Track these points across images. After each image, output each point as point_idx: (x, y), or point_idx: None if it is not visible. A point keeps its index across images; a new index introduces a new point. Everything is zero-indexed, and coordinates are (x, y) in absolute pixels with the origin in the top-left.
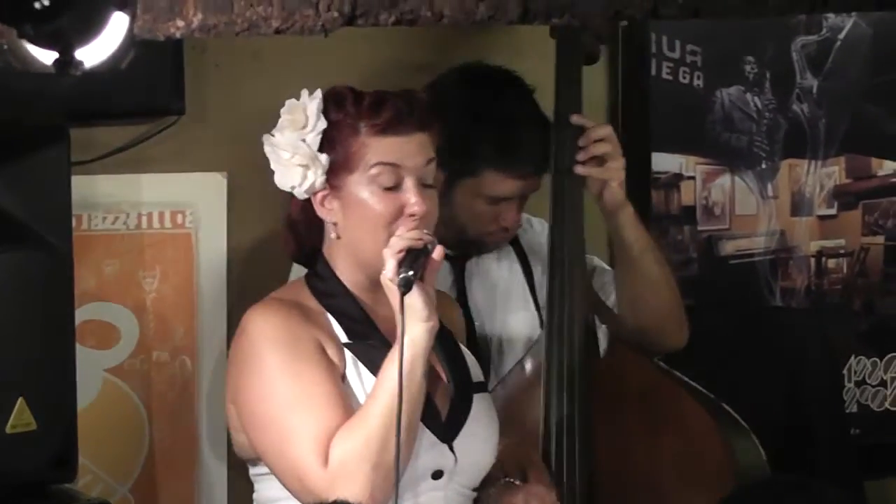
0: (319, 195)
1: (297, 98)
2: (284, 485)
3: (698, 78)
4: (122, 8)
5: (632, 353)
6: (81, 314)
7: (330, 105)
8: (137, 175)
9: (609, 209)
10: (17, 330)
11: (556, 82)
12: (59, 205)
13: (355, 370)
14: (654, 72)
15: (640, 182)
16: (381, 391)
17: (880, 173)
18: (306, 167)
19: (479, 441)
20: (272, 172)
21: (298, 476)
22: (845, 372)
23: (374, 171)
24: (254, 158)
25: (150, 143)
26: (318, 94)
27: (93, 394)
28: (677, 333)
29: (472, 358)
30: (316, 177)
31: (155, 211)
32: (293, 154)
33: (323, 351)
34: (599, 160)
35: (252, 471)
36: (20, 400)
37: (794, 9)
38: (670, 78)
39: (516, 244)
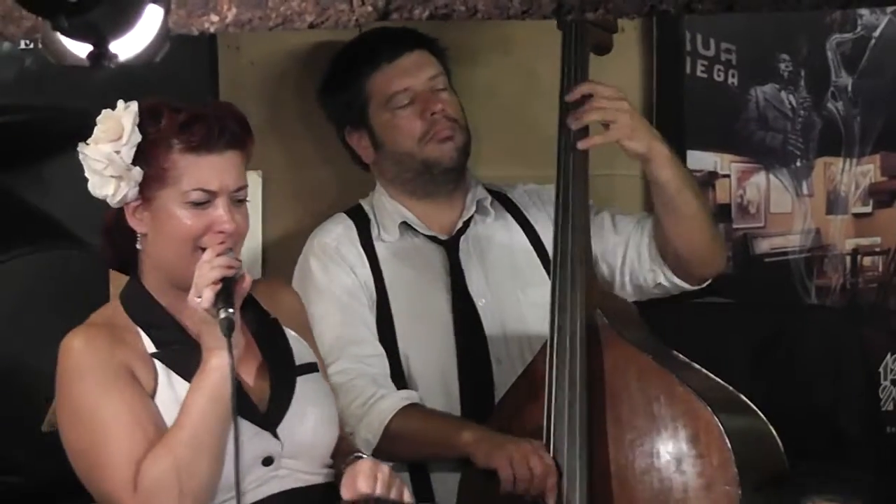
0: (132, 206)
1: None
2: None
3: (733, 76)
4: (156, 1)
5: (627, 346)
6: None
7: (147, 118)
8: None
9: (636, 158)
10: (53, 328)
11: (561, 74)
12: (94, 204)
13: (167, 379)
14: (688, 70)
15: None
16: (186, 417)
17: None
18: (119, 178)
19: (307, 422)
20: (305, 170)
21: (109, 502)
22: (881, 370)
23: (186, 189)
24: (288, 156)
25: None
26: (134, 106)
27: None
28: (719, 260)
29: (302, 342)
30: (128, 188)
31: None
32: (106, 165)
33: (131, 374)
34: (603, 123)
35: None
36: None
37: (828, 3)
38: (705, 76)
39: (513, 208)
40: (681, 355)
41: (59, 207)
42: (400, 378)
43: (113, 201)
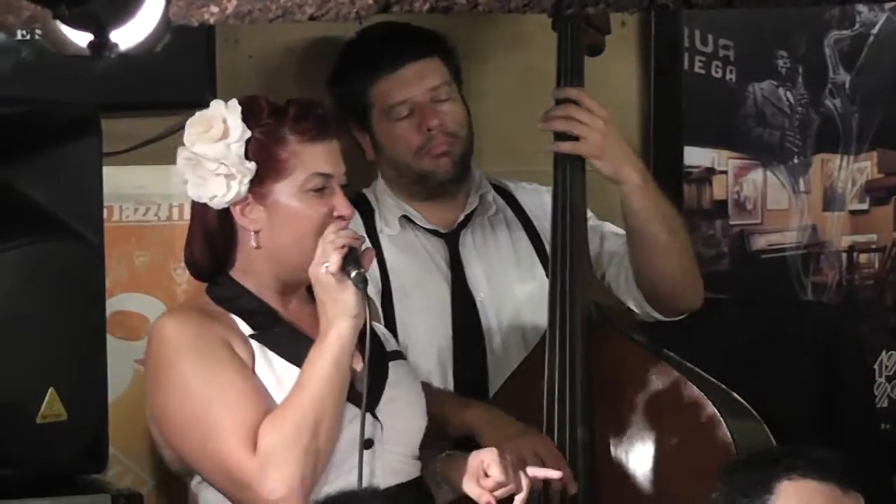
0: (240, 205)
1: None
2: (212, 483)
3: (731, 72)
4: None
5: (624, 340)
6: (112, 305)
7: (246, 114)
8: (169, 166)
9: (605, 179)
10: (49, 321)
11: (557, 74)
12: (90, 196)
13: (264, 360)
14: (686, 66)
15: (672, 176)
16: (309, 380)
17: None
18: (230, 177)
19: (402, 405)
20: None
21: (226, 468)
22: (876, 367)
23: (303, 178)
24: None
25: (181, 134)
26: (236, 103)
27: (123, 385)
28: (690, 296)
29: (384, 329)
30: (240, 186)
31: (186, 202)
32: (219, 164)
33: (231, 348)
34: (572, 135)
35: (191, 483)
36: (51, 391)
37: None
38: (703, 72)
39: (515, 205)
40: (674, 355)
41: (55, 199)
42: None
43: (222, 201)
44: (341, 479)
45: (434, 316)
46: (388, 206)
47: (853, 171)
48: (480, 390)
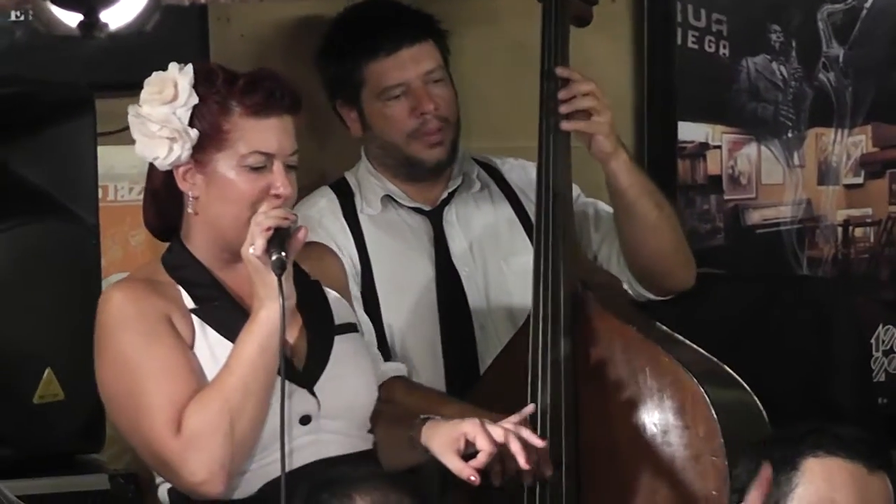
0: (182, 168)
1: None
2: (142, 459)
3: (724, 47)
4: None
5: (611, 317)
6: (109, 284)
7: (200, 81)
8: None
9: (600, 159)
10: (45, 301)
11: (542, 45)
12: (85, 176)
13: (203, 335)
14: (679, 41)
15: (666, 151)
16: (236, 363)
17: None
18: (173, 140)
19: (345, 382)
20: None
21: (152, 447)
22: (873, 341)
23: (244, 152)
24: None
25: None
26: (189, 69)
27: None
28: (683, 274)
29: (343, 302)
30: (182, 150)
31: None
32: (162, 126)
33: (171, 324)
34: (585, 114)
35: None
36: (48, 370)
37: None
38: (696, 47)
39: (501, 181)
40: (665, 327)
41: (49, 180)
42: (385, 348)
43: (163, 163)
44: (287, 457)
45: (419, 294)
46: (371, 185)
47: (847, 144)
48: (470, 367)
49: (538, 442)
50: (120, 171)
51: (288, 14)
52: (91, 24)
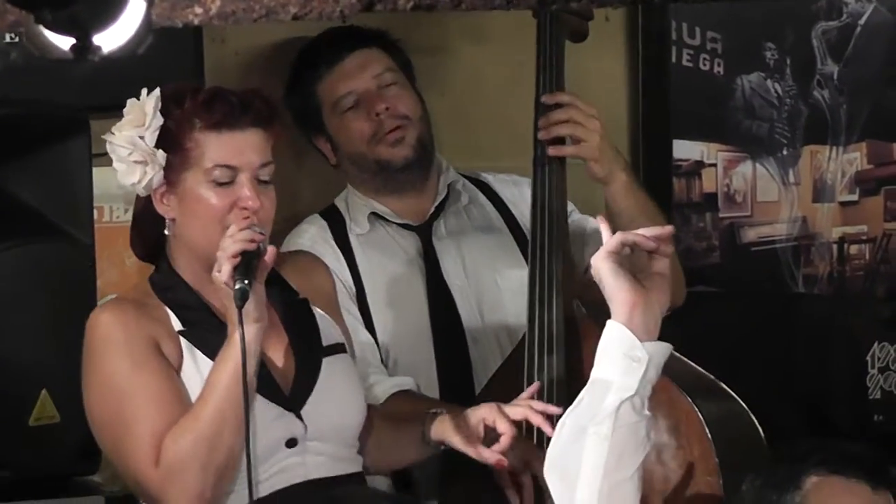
0: (158, 192)
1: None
2: (127, 484)
3: (719, 65)
4: None
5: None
6: None
7: (169, 102)
8: None
9: (595, 180)
10: (40, 322)
11: (536, 64)
12: (80, 197)
13: (191, 358)
14: (674, 59)
15: (662, 170)
16: (209, 391)
17: None
18: (144, 163)
19: (332, 404)
20: (290, 161)
21: (133, 475)
22: (868, 358)
23: (208, 166)
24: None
25: None
26: (157, 92)
27: None
28: (675, 292)
29: (330, 321)
30: (153, 173)
31: None
32: (131, 151)
33: (158, 348)
34: (572, 139)
35: None
36: (43, 392)
37: None
38: (691, 65)
39: (493, 196)
40: None
41: (44, 201)
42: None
43: (140, 188)
44: (273, 478)
45: (411, 310)
46: (358, 206)
47: (842, 162)
48: (464, 381)
49: (555, 410)
50: (115, 191)
51: (282, 34)
52: (84, 47)
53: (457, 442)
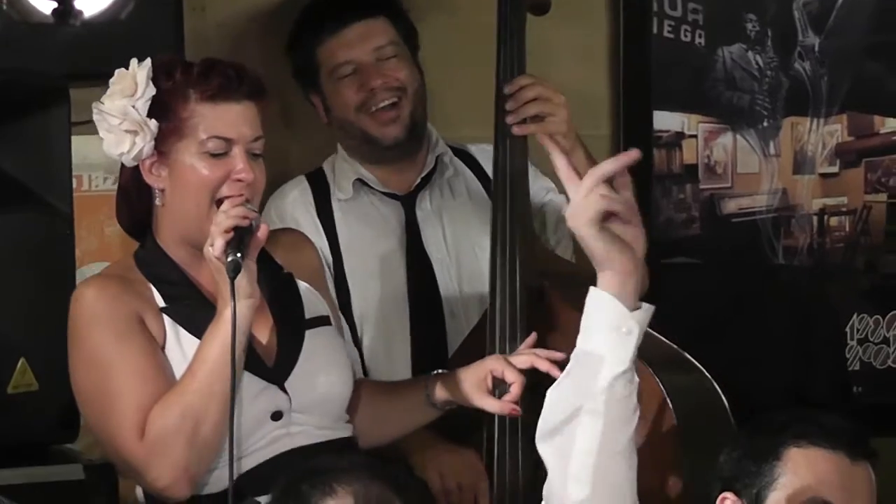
0: (147, 162)
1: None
2: (109, 457)
3: (700, 36)
4: None
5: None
6: (83, 275)
7: (160, 73)
8: None
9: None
10: (19, 291)
11: (497, 39)
12: (59, 165)
13: (175, 335)
14: (655, 30)
15: (642, 141)
16: (197, 365)
17: (882, 131)
18: (135, 133)
19: (317, 376)
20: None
21: (117, 449)
22: (847, 330)
23: (203, 137)
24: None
25: None
26: (148, 62)
27: None
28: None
29: (315, 294)
30: (144, 143)
31: None
32: (122, 120)
33: (142, 323)
34: (537, 117)
35: None
36: (22, 360)
37: None
38: (672, 36)
39: (476, 167)
40: None
41: (23, 169)
42: (354, 335)
43: (128, 158)
44: (259, 451)
45: (389, 280)
46: (344, 170)
47: (823, 134)
48: (438, 354)
49: (559, 355)
50: (95, 160)
51: (263, 3)
52: (65, 11)
53: (467, 397)
